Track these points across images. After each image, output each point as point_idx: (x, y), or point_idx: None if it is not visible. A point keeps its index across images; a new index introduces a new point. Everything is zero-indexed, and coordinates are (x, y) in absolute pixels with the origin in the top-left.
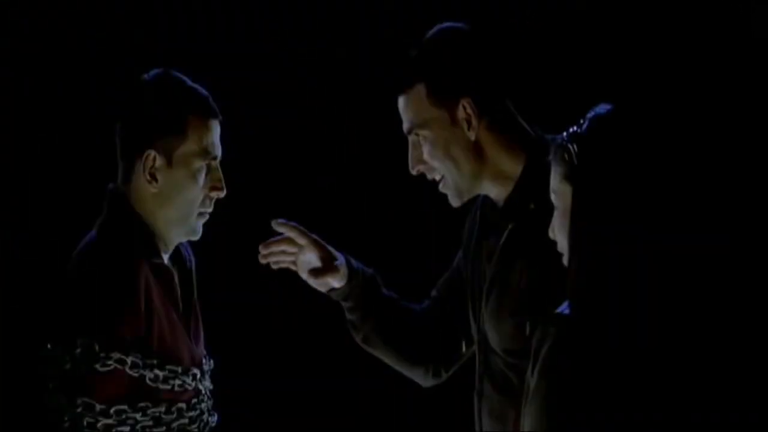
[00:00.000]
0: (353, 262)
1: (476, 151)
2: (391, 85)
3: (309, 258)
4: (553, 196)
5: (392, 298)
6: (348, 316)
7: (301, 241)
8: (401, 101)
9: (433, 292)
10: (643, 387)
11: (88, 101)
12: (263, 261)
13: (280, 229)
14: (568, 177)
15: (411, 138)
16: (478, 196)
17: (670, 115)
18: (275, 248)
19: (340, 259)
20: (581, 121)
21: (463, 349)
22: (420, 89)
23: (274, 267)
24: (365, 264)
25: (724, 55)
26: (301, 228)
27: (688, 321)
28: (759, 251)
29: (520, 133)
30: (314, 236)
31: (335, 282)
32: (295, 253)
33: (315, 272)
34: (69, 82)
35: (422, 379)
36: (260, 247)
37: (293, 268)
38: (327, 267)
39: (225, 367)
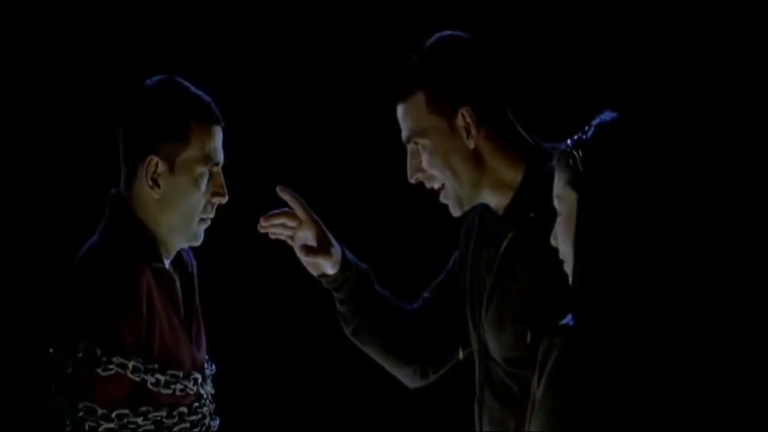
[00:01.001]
0: (348, 254)
1: (475, 159)
2: (390, 89)
3: (306, 235)
4: (556, 202)
5: (384, 295)
6: (339, 308)
7: (301, 214)
8: (400, 109)
9: (426, 294)
10: (649, 396)
11: (89, 102)
12: (262, 231)
13: (284, 196)
14: (572, 183)
15: (410, 146)
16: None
17: (673, 120)
18: (275, 221)
19: (336, 247)
20: (586, 128)
21: (461, 355)
22: (419, 97)
23: (272, 237)
24: (365, 263)
25: (725, 55)
26: (303, 202)
27: (694, 328)
28: (761, 251)
29: (519, 141)
30: (315, 215)
31: (327, 267)
32: (294, 227)
33: (308, 249)
34: (69, 82)
35: (409, 378)
36: (261, 219)
37: (290, 242)
38: (321, 248)
39: (226, 370)
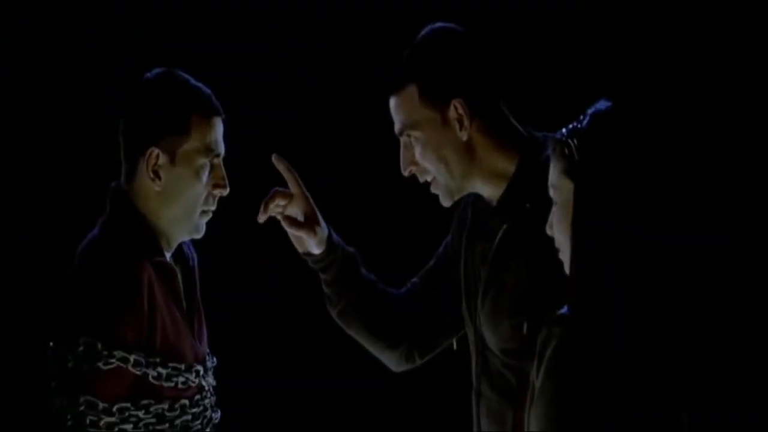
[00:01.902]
0: (335, 236)
1: (468, 151)
2: (384, 83)
3: (295, 211)
4: (551, 191)
5: (371, 278)
6: (325, 289)
7: (294, 188)
8: (393, 102)
9: (415, 279)
10: (646, 384)
11: (89, 101)
12: (261, 221)
13: (279, 166)
14: (568, 172)
15: (402, 139)
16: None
17: (669, 109)
18: (271, 205)
19: (323, 227)
20: (581, 117)
21: (454, 345)
22: (412, 90)
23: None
24: (364, 262)
25: (724, 54)
26: (297, 175)
27: (691, 318)
28: (761, 251)
29: (512, 133)
30: (306, 191)
31: (311, 245)
32: (284, 205)
33: (291, 221)
34: (69, 81)
35: (395, 362)
36: (260, 213)
37: (278, 217)
38: (307, 224)
39: (227, 365)
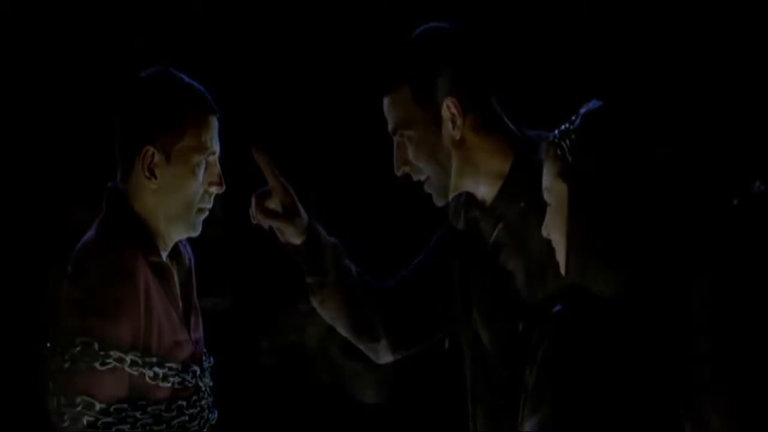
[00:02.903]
0: (317, 227)
1: (461, 150)
2: (377, 82)
3: (274, 204)
4: (545, 194)
5: (352, 269)
6: (307, 279)
7: (272, 181)
8: (386, 102)
9: (403, 272)
10: (640, 380)
11: (84, 100)
12: (266, 226)
13: (257, 157)
14: (562, 174)
15: (396, 139)
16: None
17: (663, 112)
18: (260, 213)
19: (303, 218)
20: (573, 118)
21: (446, 344)
22: (404, 90)
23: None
24: (364, 263)
25: (718, 50)
26: (274, 168)
27: (686, 317)
28: (757, 246)
29: (505, 131)
30: (285, 182)
31: (292, 235)
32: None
33: (268, 212)
34: (68, 81)
35: (378, 354)
36: (261, 220)
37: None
38: (285, 215)
39: (224, 365)
